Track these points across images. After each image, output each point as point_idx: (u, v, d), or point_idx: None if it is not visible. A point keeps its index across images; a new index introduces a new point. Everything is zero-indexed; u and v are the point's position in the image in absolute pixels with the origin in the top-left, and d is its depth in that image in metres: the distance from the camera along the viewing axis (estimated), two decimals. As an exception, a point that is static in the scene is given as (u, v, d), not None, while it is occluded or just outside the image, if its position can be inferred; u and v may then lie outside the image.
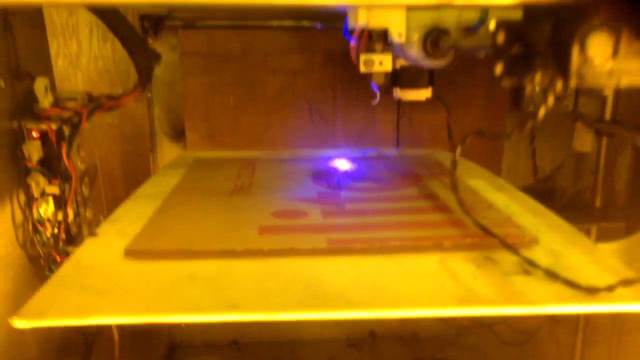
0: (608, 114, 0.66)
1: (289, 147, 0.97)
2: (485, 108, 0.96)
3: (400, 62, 0.66)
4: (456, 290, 0.35)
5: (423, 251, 0.41)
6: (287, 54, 0.94)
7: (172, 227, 0.45)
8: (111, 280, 0.37)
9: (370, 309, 0.34)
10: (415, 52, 0.54)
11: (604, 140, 0.68)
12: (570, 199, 0.74)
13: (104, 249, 0.43)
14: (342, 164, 0.66)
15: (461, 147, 0.37)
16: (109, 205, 0.76)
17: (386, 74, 0.63)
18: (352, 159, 0.68)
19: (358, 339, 0.97)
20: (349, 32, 0.61)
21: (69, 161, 0.58)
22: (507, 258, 0.40)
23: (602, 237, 0.68)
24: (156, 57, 0.57)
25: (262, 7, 0.31)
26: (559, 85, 0.28)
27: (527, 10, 0.29)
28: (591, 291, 0.35)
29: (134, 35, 0.55)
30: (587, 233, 0.69)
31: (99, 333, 0.81)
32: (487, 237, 0.42)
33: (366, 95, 0.93)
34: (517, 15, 0.32)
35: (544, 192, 0.77)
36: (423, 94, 0.76)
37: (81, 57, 0.87)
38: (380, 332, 0.97)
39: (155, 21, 0.77)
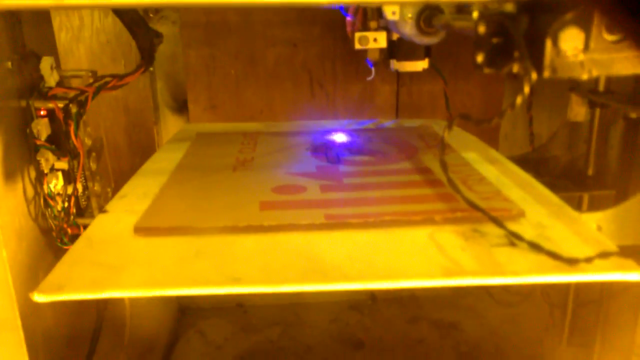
0: (602, 86, 0.67)
1: (290, 118, 0.98)
2: (484, 77, 0.97)
3: (397, 34, 0.67)
4: (443, 262, 0.38)
5: (415, 225, 0.44)
6: (287, 25, 0.95)
7: (177, 205, 0.48)
8: (122, 256, 0.40)
9: (362, 280, 0.37)
10: (408, 30, 0.55)
11: (597, 111, 0.69)
12: (564, 167, 0.76)
13: (114, 225, 0.45)
14: (341, 137, 0.68)
15: (448, 131, 0.39)
16: (116, 177, 0.78)
17: (381, 49, 0.64)
18: (351, 132, 0.70)
19: (359, 302, 1.00)
20: (345, 9, 0.62)
21: (76, 139, 0.60)
22: (495, 231, 0.43)
23: (594, 204, 0.71)
24: (158, 37, 0.59)
25: (259, 6, 0.32)
26: (533, 76, 0.29)
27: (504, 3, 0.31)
28: (571, 262, 0.37)
29: (136, 16, 0.56)
30: (580, 201, 0.71)
31: (112, 299, 0.85)
32: (477, 211, 0.44)
33: (366, 67, 0.94)
34: (510, 7, 0.33)
35: (539, 161, 0.78)
36: (420, 65, 0.77)
37: (83, 30, 0.89)
38: (380, 294, 1.01)
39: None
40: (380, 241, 0.42)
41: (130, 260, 0.40)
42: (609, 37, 0.29)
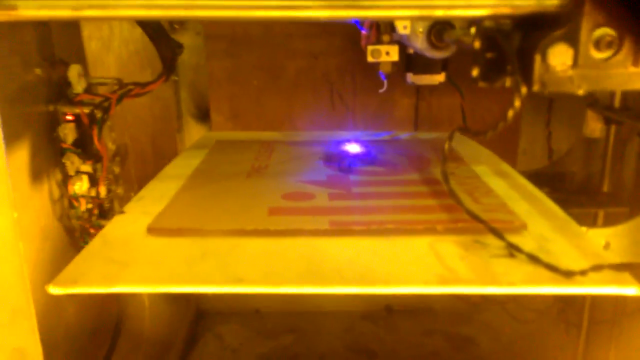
0: (617, 102, 0.67)
1: (310, 128, 1.00)
2: (503, 93, 0.97)
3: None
4: (440, 271, 0.39)
5: (417, 234, 0.45)
6: (308, 38, 0.97)
7: (189, 208, 0.50)
8: (134, 254, 0.42)
9: (359, 285, 0.38)
10: (420, 44, 0.56)
11: (613, 128, 0.69)
12: (580, 183, 0.75)
13: (129, 226, 0.47)
14: (354, 148, 0.69)
15: (449, 143, 0.40)
16: (139, 181, 0.81)
17: (396, 62, 0.65)
18: (365, 143, 0.71)
19: (374, 312, 1.01)
20: (361, 23, 0.64)
21: (100, 143, 0.63)
22: (496, 242, 0.43)
23: (608, 221, 0.70)
24: (179, 47, 0.62)
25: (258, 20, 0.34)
26: (523, 90, 0.30)
27: (497, 21, 0.32)
28: (568, 275, 0.38)
29: (159, 27, 0.59)
30: (594, 217, 0.71)
31: (132, 298, 0.88)
32: (479, 223, 0.45)
33: (386, 80, 0.95)
34: (507, 22, 0.34)
35: (555, 176, 0.78)
36: (436, 78, 0.78)
37: (112, 40, 0.92)
38: (395, 306, 1.01)
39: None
40: (381, 248, 0.43)
41: (141, 258, 0.42)
42: (598, 55, 0.29)
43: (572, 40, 0.29)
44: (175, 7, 0.31)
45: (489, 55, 0.33)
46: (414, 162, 0.64)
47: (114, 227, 0.48)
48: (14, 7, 0.30)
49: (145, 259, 0.42)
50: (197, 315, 1.02)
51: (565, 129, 0.87)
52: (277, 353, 0.91)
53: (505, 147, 0.95)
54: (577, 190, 0.73)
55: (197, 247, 0.43)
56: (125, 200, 0.77)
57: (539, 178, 0.74)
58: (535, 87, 0.30)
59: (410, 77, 0.79)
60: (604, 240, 0.56)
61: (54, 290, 0.37)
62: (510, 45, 0.31)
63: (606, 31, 0.29)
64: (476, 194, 0.52)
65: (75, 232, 0.68)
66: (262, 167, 0.63)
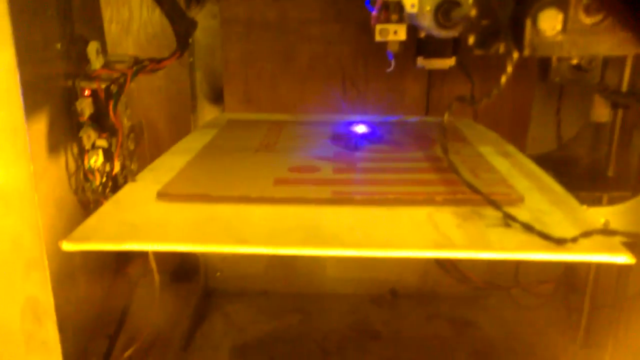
0: (625, 86, 0.67)
1: (321, 113, 1.02)
2: (514, 79, 0.98)
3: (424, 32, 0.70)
4: (436, 237, 0.40)
5: (416, 204, 0.46)
6: (322, 24, 0.98)
7: (198, 177, 0.52)
8: (143, 217, 0.44)
9: (358, 249, 0.39)
10: (427, 22, 0.57)
11: (620, 112, 0.69)
12: (586, 167, 0.76)
13: (140, 192, 0.50)
14: (362, 128, 0.70)
15: (448, 113, 0.41)
16: (153, 160, 0.83)
17: (404, 41, 0.66)
18: (372, 124, 0.73)
19: (379, 296, 1.02)
20: (371, 3, 0.65)
21: (115, 116, 0.65)
22: (493, 213, 0.44)
23: (613, 205, 0.71)
24: (193, 25, 0.63)
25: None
26: (515, 55, 0.32)
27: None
28: (560, 242, 0.39)
29: (175, 5, 0.61)
30: (599, 201, 0.71)
31: (142, 276, 0.91)
32: (477, 195, 0.46)
33: (398, 66, 0.96)
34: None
35: (561, 160, 0.79)
36: (447, 62, 0.79)
37: (132, 23, 0.95)
38: (400, 289, 1.02)
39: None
40: (381, 217, 0.44)
41: (150, 220, 0.44)
42: (587, 20, 0.30)
43: (562, 4, 0.30)
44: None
45: (484, 22, 0.34)
46: (419, 142, 0.66)
47: (126, 193, 0.50)
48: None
49: (154, 221, 0.44)
50: (204, 295, 1.04)
51: (575, 117, 0.88)
52: (283, 332, 0.93)
53: (515, 134, 0.95)
54: (582, 175, 0.74)
55: (204, 211, 0.45)
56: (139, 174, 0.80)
57: (545, 162, 0.74)
58: (526, 52, 0.31)
59: (420, 61, 0.80)
60: (603, 218, 0.57)
61: (67, 246, 0.39)
62: (503, 10, 0.32)
63: (594, -2, 0.30)
64: (477, 170, 0.53)
65: (90, 204, 0.71)
66: (271, 144, 0.65)
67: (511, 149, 0.64)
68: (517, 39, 0.31)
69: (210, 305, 1.01)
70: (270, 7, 0.96)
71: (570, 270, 0.90)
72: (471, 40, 0.35)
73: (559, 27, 0.30)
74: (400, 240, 0.41)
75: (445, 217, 0.44)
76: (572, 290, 0.87)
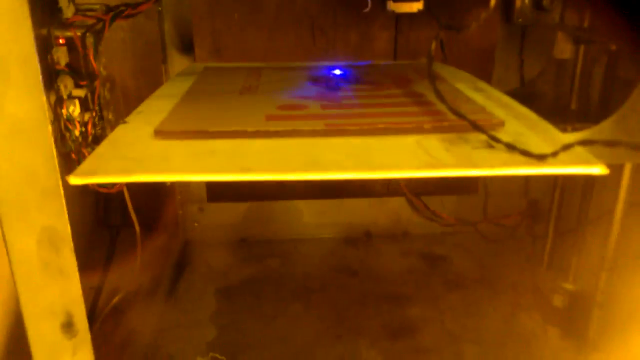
0: (586, 22, 0.71)
1: (291, 60, 1.02)
2: (479, 27, 1.01)
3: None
4: (427, 160, 0.43)
5: (406, 133, 0.49)
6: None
7: (191, 115, 0.53)
8: (145, 152, 0.45)
9: (357, 171, 0.42)
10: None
11: (582, 49, 0.73)
12: (550, 102, 0.81)
13: (135, 131, 0.50)
14: (339, 71, 0.72)
15: (435, 42, 0.44)
16: (127, 109, 0.83)
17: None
18: (349, 68, 0.74)
19: (355, 238, 1.07)
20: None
21: (95, 63, 0.64)
22: (477, 137, 0.48)
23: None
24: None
25: None
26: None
27: None
28: (540, 157, 0.43)
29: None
30: (564, 132, 0.76)
31: (122, 226, 0.91)
32: (462, 122, 0.49)
33: (365, 14, 0.97)
34: None
35: (527, 96, 0.83)
36: (415, 6, 0.82)
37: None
38: (374, 231, 1.07)
39: None
40: (373, 145, 0.47)
41: (152, 155, 0.45)
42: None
43: None
44: None
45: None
46: (396, 81, 0.68)
47: (120, 133, 0.50)
48: None
49: (156, 155, 0.45)
50: (184, 245, 1.06)
51: (537, 58, 0.92)
52: (264, 274, 0.96)
53: (480, 75, 0.99)
54: (547, 108, 0.78)
55: (204, 146, 0.46)
56: (115, 125, 0.79)
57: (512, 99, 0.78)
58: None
59: (390, 5, 0.82)
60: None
61: (74, 180, 0.40)
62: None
63: None
64: (457, 101, 0.56)
65: (72, 154, 0.70)
66: (253, 87, 0.66)
67: (483, 84, 0.68)
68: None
69: (190, 254, 1.03)
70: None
71: (532, 202, 0.96)
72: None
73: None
74: (395, 163, 0.44)
75: (433, 143, 0.47)
76: (535, 221, 0.93)
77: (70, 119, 0.69)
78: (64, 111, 0.68)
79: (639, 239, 0.68)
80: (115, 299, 0.83)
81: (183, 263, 1.00)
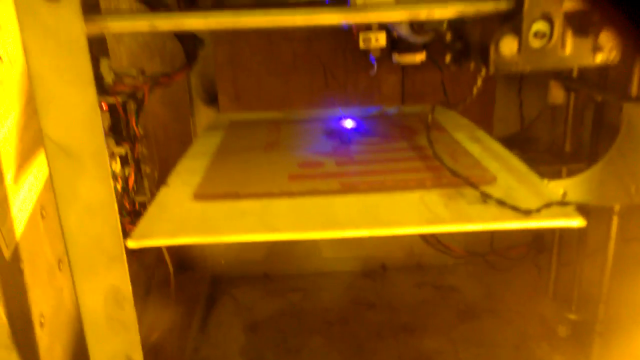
0: (575, 73, 0.78)
1: (306, 105, 1.11)
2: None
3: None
4: (427, 216, 0.50)
5: (410, 189, 0.56)
6: (303, 24, 1.06)
7: (224, 177, 0.61)
8: (188, 215, 0.53)
9: (366, 229, 0.49)
10: (404, 31, 0.67)
11: (572, 96, 0.80)
12: (546, 145, 0.87)
13: (176, 194, 0.58)
14: (351, 123, 0.80)
15: (431, 115, 0.51)
16: (160, 161, 0.91)
17: (384, 47, 0.75)
18: (359, 119, 0.82)
19: (371, 271, 1.13)
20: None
21: (137, 128, 0.73)
22: (473, 193, 0.55)
23: (570, 175, 0.82)
24: (201, 42, 0.71)
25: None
26: (483, 72, 0.42)
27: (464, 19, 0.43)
28: (527, 213, 0.49)
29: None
30: (559, 173, 0.83)
31: (157, 267, 0.99)
32: (459, 178, 0.56)
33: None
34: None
35: (525, 140, 0.90)
36: (418, 57, 0.89)
37: (123, 34, 1.01)
38: (389, 264, 1.13)
39: (190, 2, 0.91)
40: (382, 201, 0.54)
41: (193, 218, 0.52)
42: (536, 43, 0.41)
43: (517, 32, 0.40)
44: (225, 20, 0.41)
45: (457, 45, 0.44)
46: (402, 133, 0.75)
47: (164, 196, 0.58)
48: (105, 23, 0.41)
49: (196, 218, 0.52)
50: (212, 281, 1.13)
51: (535, 97, 0.99)
52: (288, 309, 1.03)
53: (483, 114, 1.06)
54: (544, 151, 0.85)
55: (237, 207, 0.54)
56: (151, 177, 0.88)
57: (512, 142, 0.86)
58: (491, 70, 0.41)
59: (396, 57, 0.90)
60: (562, 189, 0.68)
61: (131, 244, 0.48)
62: (472, 36, 0.42)
63: (541, 25, 0.40)
64: (456, 154, 0.64)
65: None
66: (275, 142, 0.74)
67: (481, 134, 0.74)
68: (484, 59, 0.41)
69: (218, 290, 1.10)
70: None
71: (537, 235, 1.02)
72: (447, 59, 0.45)
73: (515, 50, 0.40)
74: (400, 219, 0.51)
75: (434, 199, 0.54)
76: (540, 252, 0.99)
77: (114, 176, 0.78)
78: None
79: (632, 272, 0.74)
80: (155, 336, 0.91)
81: (212, 299, 1.08)
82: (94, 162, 0.41)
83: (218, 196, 0.56)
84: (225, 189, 0.57)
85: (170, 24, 0.42)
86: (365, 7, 0.42)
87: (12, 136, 0.52)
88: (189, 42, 0.70)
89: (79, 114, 0.40)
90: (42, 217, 0.58)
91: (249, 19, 0.42)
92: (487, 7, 0.42)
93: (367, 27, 0.72)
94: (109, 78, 0.77)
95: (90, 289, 0.45)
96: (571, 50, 0.42)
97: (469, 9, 0.42)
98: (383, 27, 0.72)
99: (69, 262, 0.43)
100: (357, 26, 0.76)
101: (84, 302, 0.45)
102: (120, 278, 0.45)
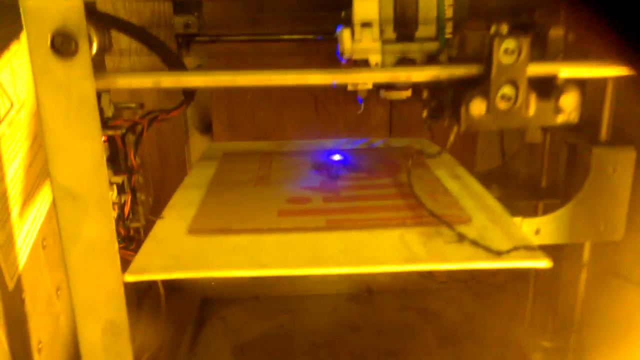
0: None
1: (298, 135, 1.15)
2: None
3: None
4: (406, 254, 0.54)
5: (392, 227, 0.60)
6: (294, 56, 1.11)
7: (217, 211, 0.64)
8: (182, 250, 0.57)
9: (349, 266, 0.53)
10: (389, 79, 0.71)
11: (548, 135, 0.85)
12: (524, 180, 0.92)
13: (171, 228, 0.62)
14: (338, 157, 0.84)
15: (411, 161, 0.55)
16: (155, 187, 0.95)
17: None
18: (347, 153, 0.86)
19: (357, 294, 1.17)
20: (340, 53, 0.79)
21: (135, 160, 0.76)
22: (450, 232, 0.59)
23: (547, 211, 0.87)
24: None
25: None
26: (455, 128, 0.46)
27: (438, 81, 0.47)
28: (497, 254, 0.54)
29: (180, 64, 0.73)
30: (535, 207, 0.87)
31: (149, 289, 1.02)
32: (437, 218, 0.60)
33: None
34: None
35: (505, 175, 0.95)
36: (404, 94, 0.94)
37: (122, 63, 1.05)
38: (375, 287, 1.17)
39: (188, 38, 0.95)
40: (365, 238, 0.58)
41: (188, 252, 0.56)
42: (503, 105, 0.45)
43: (485, 95, 0.45)
44: (223, 78, 0.45)
45: (433, 103, 0.48)
46: (387, 168, 0.80)
47: (160, 230, 0.62)
48: (114, 79, 0.45)
49: (191, 253, 0.56)
50: (202, 302, 1.16)
51: (516, 132, 1.03)
52: (276, 331, 1.06)
53: (466, 148, 1.11)
54: (521, 186, 0.89)
55: (228, 243, 0.57)
56: (146, 203, 0.91)
57: (491, 177, 0.90)
58: (462, 128, 0.45)
59: (383, 93, 0.94)
60: (536, 227, 0.72)
61: (129, 277, 0.51)
62: (445, 95, 0.47)
63: (507, 89, 0.45)
64: (435, 193, 0.68)
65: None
66: (266, 176, 0.78)
67: (461, 171, 0.79)
68: (456, 117, 0.46)
69: (208, 311, 1.13)
70: (249, 43, 1.09)
71: (517, 262, 1.06)
72: (424, 114, 0.49)
73: (484, 111, 0.45)
74: (381, 257, 0.55)
75: (414, 237, 0.58)
76: (518, 280, 1.03)
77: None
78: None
79: (603, 303, 0.78)
80: (145, 357, 0.93)
81: (201, 320, 1.10)
82: (98, 206, 0.45)
83: (211, 231, 0.60)
84: (218, 224, 0.61)
85: (173, 81, 0.46)
86: (351, 70, 0.47)
87: (20, 175, 0.55)
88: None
89: (86, 163, 0.44)
90: (43, 247, 0.61)
91: (245, 78, 0.46)
92: (459, 72, 0.46)
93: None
94: (109, 112, 0.80)
95: (90, 323, 0.48)
96: (534, 112, 0.47)
97: (443, 73, 0.46)
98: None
99: (71, 298, 0.47)
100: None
101: (83, 335, 0.48)
102: (118, 312, 0.48)
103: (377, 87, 0.90)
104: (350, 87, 0.79)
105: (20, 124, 0.56)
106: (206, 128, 1.08)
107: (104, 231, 0.46)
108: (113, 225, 0.46)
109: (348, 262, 0.54)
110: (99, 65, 0.46)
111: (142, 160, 0.95)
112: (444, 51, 0.70)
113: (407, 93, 0.96)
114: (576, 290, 0.80)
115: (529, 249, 0.54)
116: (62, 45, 0.42)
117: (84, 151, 0.43)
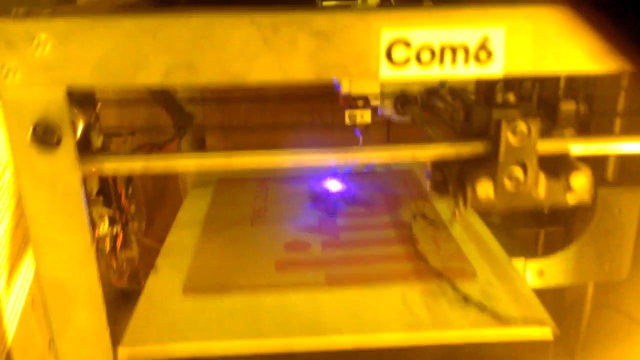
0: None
1: (293, 145, 1.12)
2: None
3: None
4: (408, 320, 0.53)
5: (393, 281, 0.58)
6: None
7: (213, 264, 0.62)
8: (177, 315, 0.55)
9: (353, 336, 0.52)
10: (388, 112, 0.69)
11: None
12: (526, 208, 0.90)
13: (165, 285, 0.60)
14: (336, 186, 0.82)
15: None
16: (148, 212, 0.93)
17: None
18: (344, 179, 0.84)
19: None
20: (339, 82, 0.76)
21: (126, 198, 0.74)
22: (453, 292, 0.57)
23: (548, 238, 0.86)
24: (190, 118, 0.72)
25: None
26: (461, 206, 0.44)
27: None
28: (505, 322, 0.52)
29: (173, 101, 0.70)
30: (537, 235, 0.86)
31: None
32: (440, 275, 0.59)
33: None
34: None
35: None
36: (403, 119, 0.91)
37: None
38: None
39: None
40: (366, 297, 0.56)
41: (183, 318, 0.54)
42: (510, 185, 0.43)
43: (492, 175, 0.42)
44: (217, 161, 0.43)
45: (437, 176, 0.46)
46: (387, 200, 0.78)
47: (153, 288, 0.60)
48: (101, 164, 0.42)
49: (186, 318, 0.54)
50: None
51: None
52: None
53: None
54: (524, 214, 0.88)
55: (225, 305, 0.56)
56: (138, 232, 0.89)
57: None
58: (468, 206, 0.43)
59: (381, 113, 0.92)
60: (539, 268, 0.71)
61: (123, 350, 0.50)
62: (450, 172, 0.44)
63: (515, 170, 0.43)
64: (437, 238, 0.66)
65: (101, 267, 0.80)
66: (262, 210, 0.75)
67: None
68: (463, 195, 0.43)
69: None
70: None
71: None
72: (429, 187, 0.47)
73: (491, 193, 0.42)
74: (383, 322, 0.53)
75: (416, 298, 0.56)
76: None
77: (101, 238, 0.79)
78: (96, 231, 0.78)
79: (604, 336, 0.78)
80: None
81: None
82: (88, 295, 0.43)
83: (207, 289, 0.58)
84: (214, 280, 0.59)
85: (163, 165, 0.43)
86: (352, 149, 0.44)
87: (6, 241, 0.53)
88: (179, 118, 0.71)
89: (74, 256, 0.41)
90: (33, 308, 0.59)
91: (239, 160, 0.43)
92: (466, 150, 0.44)
93: (352, 106, 0.74)
94: (97, 142, 0.77)
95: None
96: (545, 192, 0.44)
97: (449, 152, 0.44)
98: (368, 105, 0.73)
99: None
100: (343, 104, 0.77)
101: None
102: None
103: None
104: (348, 121, 0.77)
105: (3, 186, 0.53)
106: (200, 145, 1.05)
107: (95, 320, 0.44)
108: (104, 315, 0.44)
109: (349, 328, 0.52)
110: (85, 146, 0.43)
111: (135, 189, 0.92)
112: (444, 85, 0.67)
113: (407, 119, 0.94)
114: (580, 322, 0.79)
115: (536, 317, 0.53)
116: (44, 135, 0.39)
117: (71, 244, 0.41)
